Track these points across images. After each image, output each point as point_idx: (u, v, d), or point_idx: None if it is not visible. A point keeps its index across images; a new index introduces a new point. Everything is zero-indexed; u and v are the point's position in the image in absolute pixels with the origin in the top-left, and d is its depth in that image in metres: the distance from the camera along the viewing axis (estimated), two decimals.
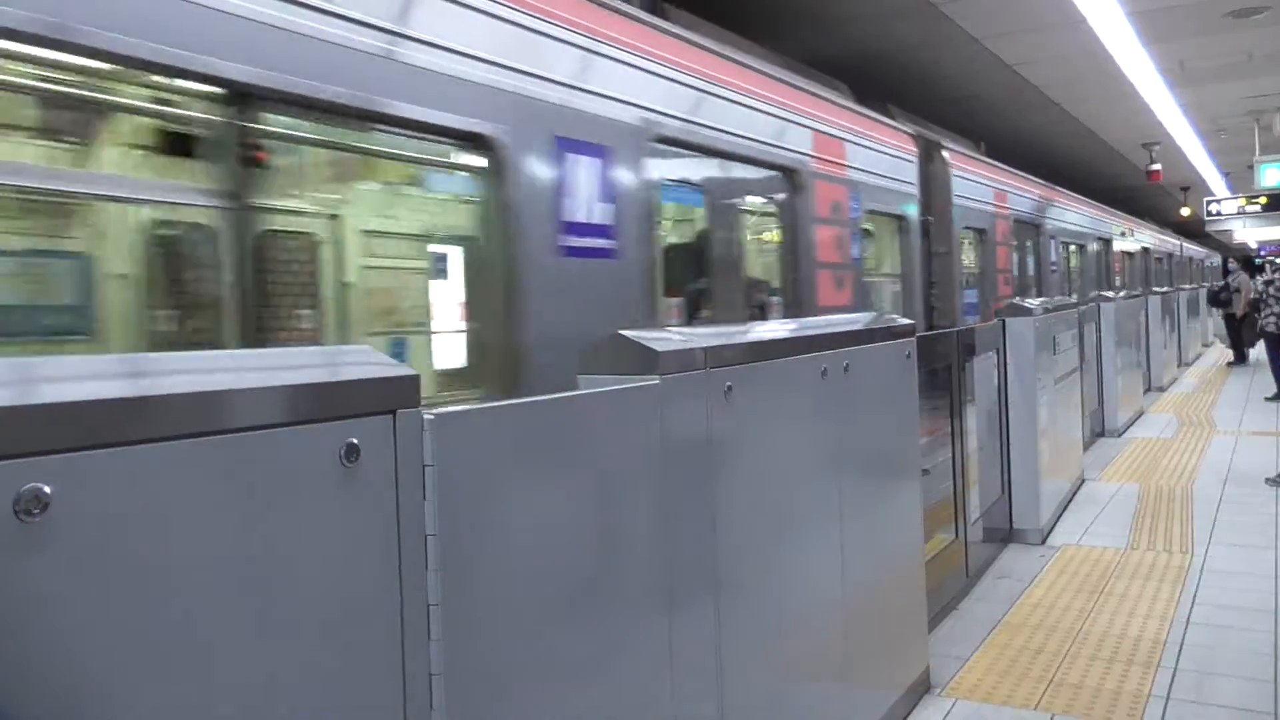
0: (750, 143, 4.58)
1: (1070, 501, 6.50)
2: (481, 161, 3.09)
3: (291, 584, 1.30)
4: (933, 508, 4.37)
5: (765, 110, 4.73)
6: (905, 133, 6.34)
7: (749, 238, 5.06)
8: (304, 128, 2.90)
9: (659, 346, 2.12)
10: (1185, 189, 18.19)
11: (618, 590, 1.97)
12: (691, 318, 4.64)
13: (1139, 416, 10.37)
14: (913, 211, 6.48)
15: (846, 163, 5.53)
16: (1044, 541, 5.57)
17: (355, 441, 1.38)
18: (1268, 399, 11.09)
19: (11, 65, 2.21)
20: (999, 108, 9.54)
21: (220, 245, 2.48)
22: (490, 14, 3.07)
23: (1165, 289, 14.03)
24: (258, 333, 2.49)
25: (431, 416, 1.51)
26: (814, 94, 5.35)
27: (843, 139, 5.54)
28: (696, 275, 4.67)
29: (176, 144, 2.84)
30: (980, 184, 7.73)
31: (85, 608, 1.07)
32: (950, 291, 6.91)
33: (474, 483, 1.60)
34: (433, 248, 4.24)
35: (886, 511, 3.34)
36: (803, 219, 5.05)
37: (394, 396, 1.45)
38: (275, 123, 2.69)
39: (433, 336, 4.33)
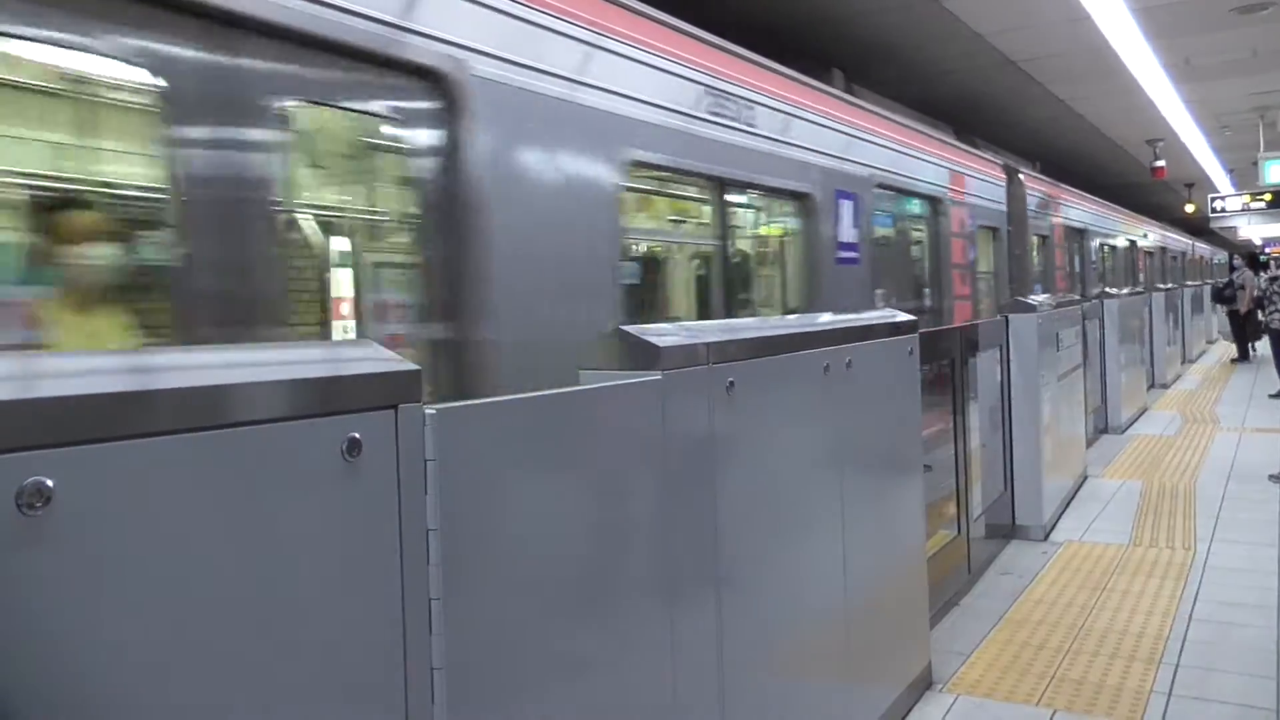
0: (920, 182, 6.63)
1: (1073, 498, 6.50)
2: (801, 207, 5.09)
3: (293, 578, 1.30)
4: (935, 504, 4.39)
5: (928, 160, 6.80)
6: (997, 164, 8.42)
7: (914, 247, 7.06)
8: (739, 199, 5.10)
9: (660, 342, 2.12)
10: (1189, 185, 18.15)
11: (619, 585, 1.97)
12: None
13: (1142, 413, 10.36)
14: (1001, 223, 8.45)
15: (965, 190, 7.50)
16: (1046, 538, 5.57)
17: (357, 436, 1.38)
18: (1271, 396, 11.07)
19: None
20: (1002, 103, 9.52)
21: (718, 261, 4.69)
22: (807, 119, 5.02)
23: (1172, 285, 14.52)
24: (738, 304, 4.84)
25: (433, 411, 1.51)
26: (951, 144, 7.46)
27: (964, 173, 7.54)
28: (888, 274, 6.66)
29: (700, 212, 5.14)
30: (1043, 199, 9.62)
31: (87, 600, 1.07)
32: (1025, 285, 8.74)
33: (476, 478, 1.60)
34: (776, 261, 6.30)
35: (888, 507, 3.34)
36: (943, 234, 7.02)
37: (396, 391, 1.46)
38: (732, 198, 4.77)
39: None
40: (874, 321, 3.29)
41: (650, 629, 2.03)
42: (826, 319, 3.07)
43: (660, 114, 3.74)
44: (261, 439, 1.25)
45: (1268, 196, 14.63)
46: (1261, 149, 11.99)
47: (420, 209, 2.79)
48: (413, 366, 1.50)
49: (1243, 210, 15.54)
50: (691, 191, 4.88)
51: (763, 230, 5.62)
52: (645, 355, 2.10)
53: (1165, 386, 12.57)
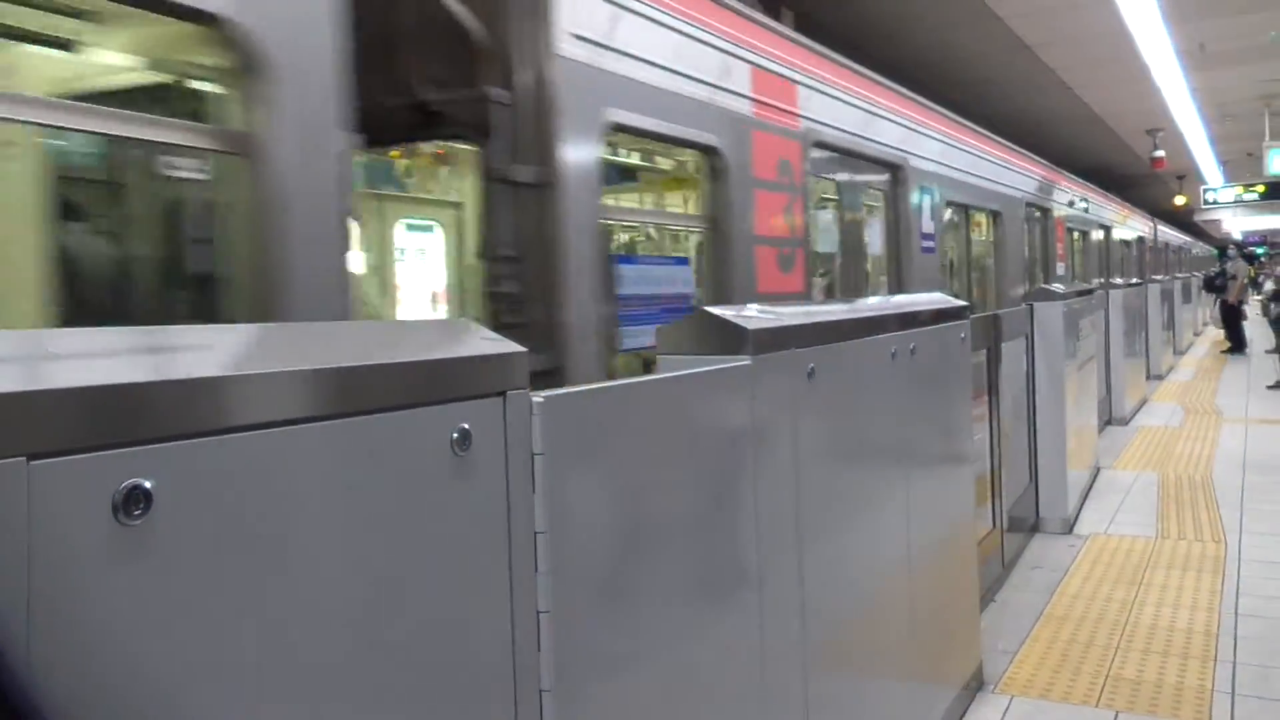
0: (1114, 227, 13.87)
1: (1089, 490, 6.40)
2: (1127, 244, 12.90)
3: (402, 591, 1.13)
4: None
5: (1138, 225, 16.34)
6: (1148, 217, 16.54)
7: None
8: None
9: (749, 324, 1.95)
10: (1180, 178, 18.18)
11: (714, 577, 1.82)
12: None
13: (1143, 404, 10.31)
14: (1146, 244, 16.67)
15: (1144, 233, 16.66)
16: (1071, 531, 5.46)
17: (467, 427, 1.20)
18: (1270, 387, 11.07)
19: None
20: (1009, 90, 9.41)
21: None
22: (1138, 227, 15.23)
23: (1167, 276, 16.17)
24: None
25: (540, 399, 1.33)
26: (1148, 216, 16.87)
27: (1139, 226, 16.20)
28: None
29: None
30: (1162, 233, 18.47)
31: (187, 612, 0.89)
32: (1161, 270, 16.20)
33: (581, 472, 1.43)
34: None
35: (946, 498, 3.20)
36: (1149, 251, 16.88)
37: (504, 376, 1.28)
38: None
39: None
40: (933, 306, 3.14)
41: (740, 623, 1.88)
42: (892, 303, 2.91)
43: None
44: (375, 430, 1.07)
45: (1261, 188, 14.64)
46: (1267, 138, 11.96)
47: None
48: (519, 348, 1.32)
49: (1235, 202, 15.57)
50: None
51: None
52: (732, 338, 1.94)
53: (1160, 378, 12.55)
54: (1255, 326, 15.71)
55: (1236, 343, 15.12)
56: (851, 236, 5.46)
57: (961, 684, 3.22)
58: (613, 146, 3.47)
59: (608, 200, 3.17)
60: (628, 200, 4.20)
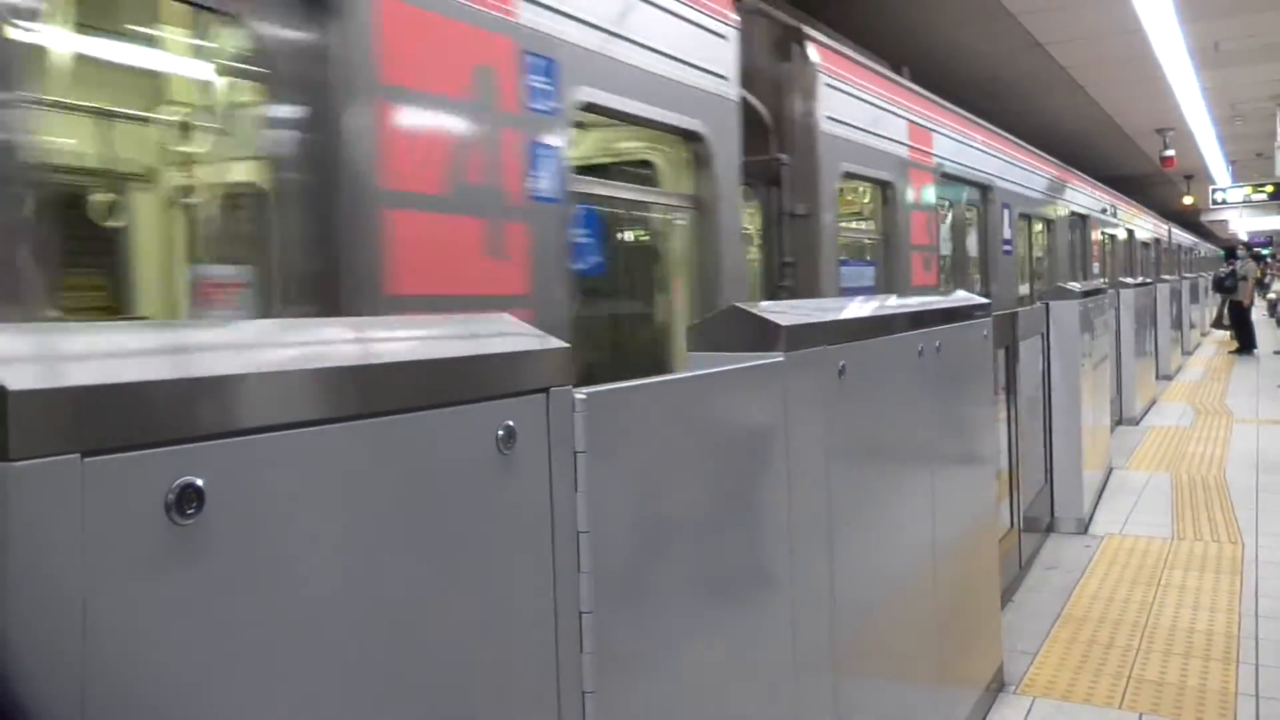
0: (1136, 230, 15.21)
1: (1103, 490, 6.36)
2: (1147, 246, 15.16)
3: (449, 593, 1.10)
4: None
5: (1152, 226, 17.30)
6: (1164, 221, 18.03)
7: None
8: None
9: (782, 320, 1.92)
10: (1189, 177, 18.11)
11: (747, 579, 1.79)
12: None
13: (1152, 404, 10.27)
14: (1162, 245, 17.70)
15: (1160, 235, 17.99)
16: (1086, 531, 5.43)
17: (512, 425, 1.18)
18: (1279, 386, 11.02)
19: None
20: (1019, 88, 9.36)
21: None
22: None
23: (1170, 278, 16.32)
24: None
25: (583, 396, 1.31)
26: (1155, 216, 17.78)
27: (1156, 229, 17.67)
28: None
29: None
30: (1175, 235, 20.11)
31: (240, 613, 0.87)
32: (1172, 270, 17.43)
33: (621, 469, 1.40)
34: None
35: (969, 496, 3.17)
36: (1166, 253, 18.78)
37: (548, 372, 1.25)
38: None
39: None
40: (957, 304, 3.11)
41: (775, 616, 1.85)
42: (919, 300, 2.88)
43: None
44: (420, 428, 1.05)
45: (1270, 188, 14.58)
46: (1278, 138, 11.89)
47: None
48: (562, 343, 1.29)
49: (1244, 202, 15.51)
50: None
51: None
52: (764, 335, 1.91)
53: (1169, 378, 12.50)
54: (1261, 328, 15.65)
55: (1245, 343, 15.05)
56: (959, 242, 6.80)
57: (983, 685, 3.19)
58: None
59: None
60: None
